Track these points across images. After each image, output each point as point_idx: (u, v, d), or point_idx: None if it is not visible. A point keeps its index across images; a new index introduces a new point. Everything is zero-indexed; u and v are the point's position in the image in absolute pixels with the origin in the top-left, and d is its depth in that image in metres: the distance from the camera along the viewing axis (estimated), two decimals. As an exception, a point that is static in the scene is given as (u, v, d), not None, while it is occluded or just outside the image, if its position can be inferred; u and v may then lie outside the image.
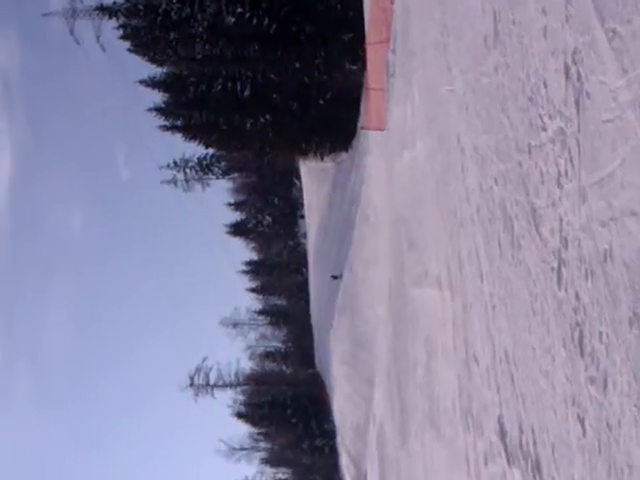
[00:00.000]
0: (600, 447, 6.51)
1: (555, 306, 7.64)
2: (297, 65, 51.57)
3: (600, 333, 6.51)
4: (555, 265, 7.63)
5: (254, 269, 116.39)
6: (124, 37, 57.18)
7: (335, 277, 50.14)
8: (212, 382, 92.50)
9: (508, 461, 9.64)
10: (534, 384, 8.38)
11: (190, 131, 60.38)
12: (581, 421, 6.91)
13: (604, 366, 6.43)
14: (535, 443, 8.42)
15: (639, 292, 5.87)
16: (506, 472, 9.76)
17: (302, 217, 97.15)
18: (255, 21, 50.46)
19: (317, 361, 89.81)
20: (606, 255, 6.41)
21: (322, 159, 60.21)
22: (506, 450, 9.74)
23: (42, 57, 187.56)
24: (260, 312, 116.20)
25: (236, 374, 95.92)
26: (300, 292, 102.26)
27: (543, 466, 8.12)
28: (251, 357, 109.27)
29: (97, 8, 57.39)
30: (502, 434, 9.93)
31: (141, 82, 61.53)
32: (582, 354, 6.87)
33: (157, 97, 61.69)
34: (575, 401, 7.05)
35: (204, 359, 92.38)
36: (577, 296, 7.04)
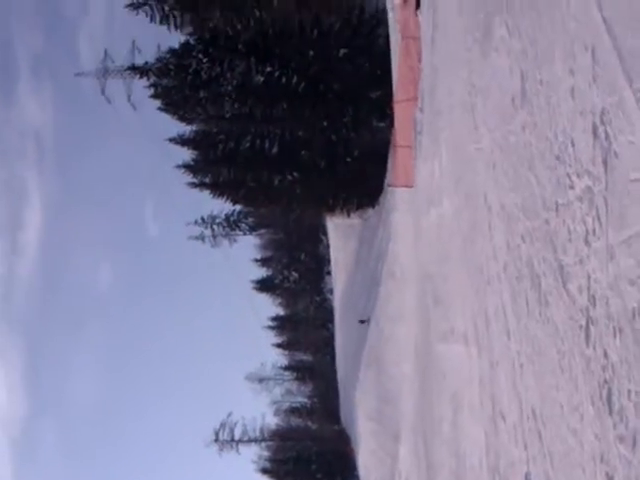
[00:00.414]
0: (629, 505, 6.49)
1: (583, 364, 7.64)
2: (325, 123, 51.99)
3: (629, 391, 6.51)
4: (583, 323, 7.64)
5: (280, 324, 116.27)
6: (155, 96, 57.84)
7: (363, 321, 49.94)
8: (237, 437, 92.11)
9: (536, 519, 9.59)
10: (562, 442, 8.35)
11: (218, 188, 60.84)
12: (610, 479, 6.89)
13: (633, 424, 6.42)
14: (563, 501, 8.38)
15: (667, 350, 5.89)
16: (534, 531, 9.69)
17: (328, 273, 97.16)
18: (284, 80, 51.00)
19: (342, 417, 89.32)
20: (634, 313, 6.42)
21: (349, 215, 60.42)
22: (534, 508, 9.69)
23: (74, 115, 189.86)
24: (286, 367, 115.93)
25: (261, 429, 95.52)
26: (326, 347, 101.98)
27: (572, 525, 8.08)
28: (276, 412, 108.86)
29: (128, 68, 58.13)
30: (530, 492, 9.88)
31: (171, 140, 62.17)
32: (611, 412, 6.87)
33: (186, 154, 62.30)
34: (604, 459, 7.03)
35: (229, 414, 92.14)
36: (605, 354, 7.04)
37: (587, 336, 7.54)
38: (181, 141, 61.36)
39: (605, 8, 7.51)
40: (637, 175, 6.47)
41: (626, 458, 6.51)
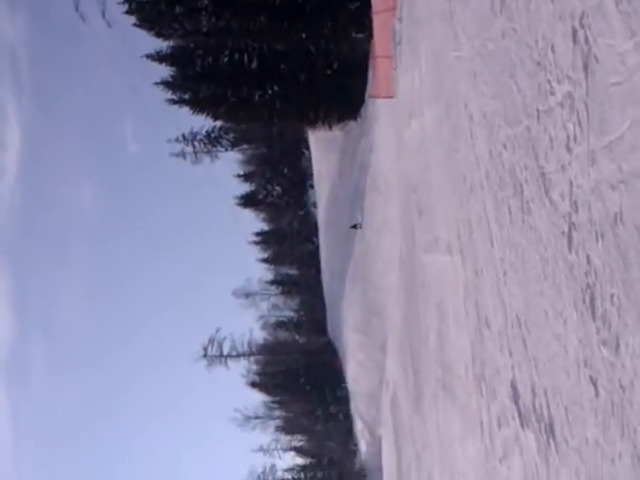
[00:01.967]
0: (613, 408, 6.57)
1: (566, 270, 7.67)
2: (304, 35, 51.43)
3: (612, 295, 6.55)
4: (566, 229, 7.66)
5: (265, 239, 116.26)
6: (129, 12, 56.95)
7: (355, 226, 49.57)
8: (225, 352, 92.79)
9: (521, 424, 9.72)
10: (546, 347, 8.43)
11: (198, 104, 60.27)
12: (594, 383, 6.96)
13: (616, 328, 6.47)
14: (548, 406, 8.48)
15: (649, 254, 5.91)
16: (519, 435, 9.84)
17: (312, 187, 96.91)
18: (261, -9, 50.27)
19: (330, 329, 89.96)
20: (616, 218, 6.43)
21: (330, 128, 60.08)
22: (519, 413, 9.81)
23: (48, 33, 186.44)
24: (272, 282, 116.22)
25: (249, 344, 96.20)
26: (311, 261, 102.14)
27: (556, 428, 8.19)
28: (264, 327, 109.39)
29: (102, -17, 57.20)
30: (515, 397, 10.01)
31: (148, 56, 61.34)
32: (594, 317, 6.91)
33: (164, 71, 61.51)
34: (588, 363, 7.10)
35: (217, 330, 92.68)
36: (588, 259, 7.07)
37: (570, 242, 7.56)
38: (158, 57, 60.57)
39: None
40: (617, 79, 6.43)
41: (609, 361, 6.58)
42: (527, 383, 9.37)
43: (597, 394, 6.90)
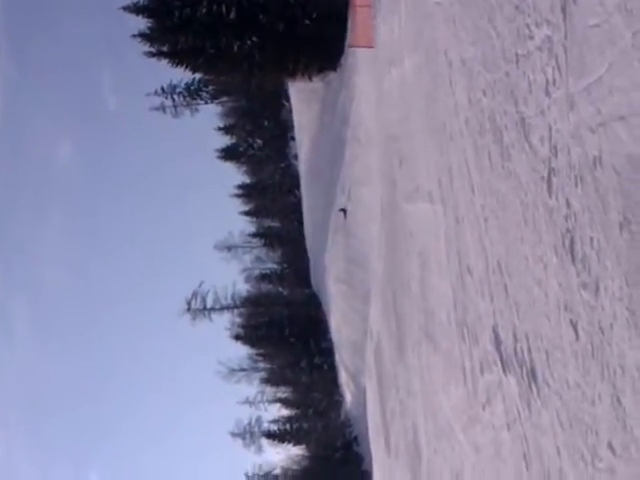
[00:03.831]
0: (593, 351, 6.62)
1: (546, 214, 7.69)
2: (282, -16, 51.01)
3: (591, 239, 6.57)
4: (545, 174, 7.66)
5: (246, 192, 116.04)
6: (105, -38, 56.32)
7: (343, 210, 49.10)
8: (209, 306, 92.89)
9: (503, 369, 9.78)
10: (527, 292, 8.47)
11: (176, 56, 59.77)
12: (574, 326, 7.01)
13: (595, 271, 6.50)
14: (529, 350, 8.54)
15: (629, 197, 5.92)
16: (502, 380, 9.91)
17: (293, 138, 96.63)
18: (238, -59, 49.78)
19: (313, 281, 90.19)
20: (595, 161, 6.44)
21: (310, 79, 59.75)
22: (501, 358, 9.88)
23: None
24: (254, 234, 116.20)
25: (233, 297, 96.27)
26: (293, 213, 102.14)
27: (538, 372, 8.25)
28: (247, 279, 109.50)
29: None
30: (497, 342, 10.07)
31: (124, 8, 60.68)
32: (574, 260, 6.94)
33: (141, 23, 60.90)
34: (568, 307, 7.14)
35: (200, 283, 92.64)
36: (568, 203, 7.08)
37: (549, 186, 7.56)
38: (135, 9, 59.93)
39: None
40: (595, 20, 6.40)
41: (589, 304, 6.62)
42: (509, 328, 9.42)
43: (577, 337, 6.95)
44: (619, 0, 6.04)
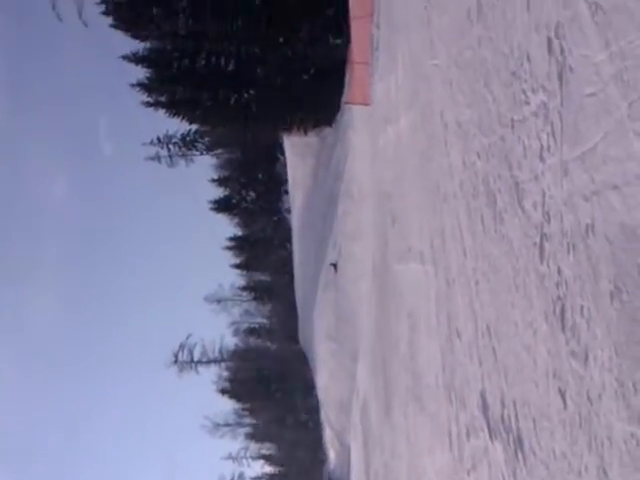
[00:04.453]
0: (581, 420, 6.55)
1: (537, 281, 7.65)
2: (281, 40, 51.44)
3: (581, 307, 6.53)
4: (537, 239, 7.64)
5: (238, 245, 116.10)
6: (106, 12, 56.80)
7: (333, 265, 49.05)
8: (196, 359, 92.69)
9: (490, 435, 9.69)
10: (516, 358, 8.41)
11: (173, 107, 60.17)
12: (562, 395, 6.94)
13: (585, 340, 6.45)
14: (517, 417, 8.46)
15: (620, 266, 5.88)
16: (488, 446, 9.81)
17: (286, 192, 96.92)
18: (239, -5, 50.31)
19: (301, 337, 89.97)
20: (588, 229, 6.41)
21: (306, 134, 60.10)
22: (488, 424, 9.79)
23: (25, 32, 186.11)
24: (244, 288, 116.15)
25: (220, 350, 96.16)
26: (284, 267, 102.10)
27: (524, 440, 8.17)
28: (235, 333, 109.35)
29: (79, -17, 57.04)
30: (484, 408, 9.98)
31: (124, 58, 61.18)
32: (564, 328, 6.89)
33: (140, 73, 61.35)
34: (556, 375, 7.08)
35: (188, 336, 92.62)
36: (559, 270, 7.05)
37: (541, 253, 7.54)
38: (135, 59, 60.44)
39: None
40: (591, 89, 6.41)
41: (578, 373, 6.56)
42: (496, 394, 9.34)
43: (565, 406, 6.88)
44: (615, 70, 6.05)
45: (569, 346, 6.76)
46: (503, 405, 9.01)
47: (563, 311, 6.93)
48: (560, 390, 6.99)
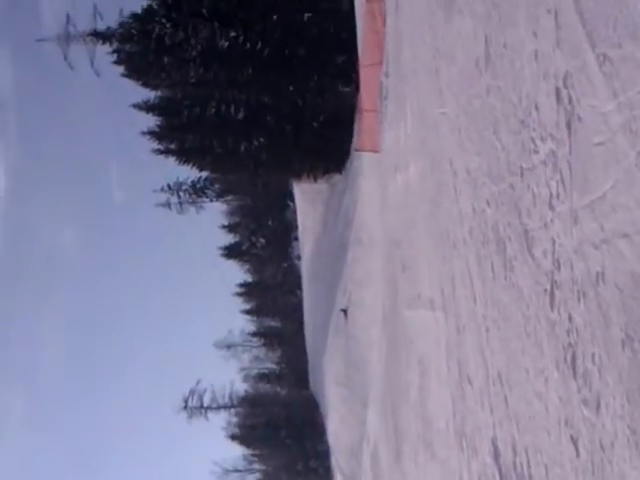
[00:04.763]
0: (593, 469, 6.53)
1: (548, 328, 7.66)
2: (290, 88, 51.78)
3: (593, 355, 6.53)
4: (548, 287, 7.66)
5: (248, 291, 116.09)
6: (118, 62, 57.31)
7: (344, 311, 48.90)
8: (206, 404, 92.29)
9: (502, 482, 9.65)
10: (527, 405, 8.40)
11: (184, 154, 60.51)
12: (574, 442, 6.93)
13: (597, 387, 6.45)
14: (529, 464, 8.43)
15: (631, 314, 5.90)
16: (500, 494, 9.76)
17: (296, 239, 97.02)
18: (248, 45, 50.70)
19: (311, 382, 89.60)
20: (598, 277, 6.44)
21: (316, 181, 60.31)
22: (500, 471, 9.74)
23: (36, 81, 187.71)
24: (254, 334, 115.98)
25: (230, 396, 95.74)
26: (294, 313, 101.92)
27: (537, 488, 8.14)
28: (245, 379, 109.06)
29: (91, 33, 57.59)
30: (496, 455, 9.94)
31: (135, 106, 61.66)
32: (575, 375, 6.89)
33: (151, 121, 61.79)
34: (568, 422, 7.07)
35: (198, 381, 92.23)
36: (570, 318, 7.06)
37: (552, 300, 7.55)
38: (146, 107, 60.90)
39: (568, -30, 7.47)
40: (600, 139, 6.47)
41: (590, 421, 6.55)
42: (508, 441, 9.31)
43: (577, 454, 6.87)
44: (623, 120, 6.11)
45: (581, 394, 6.75)
46: (515, 452, 8.98)
47: (574, 358, 6.93)
48: (572, 438, 6.97)
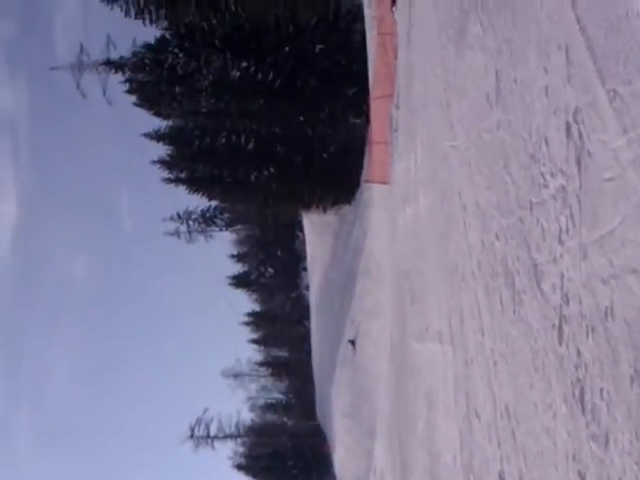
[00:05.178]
0: (601, 504, 6.51)
1: (556, 362, 7.66)
2: (301, 119, 51.99)
3: (601, 390, 6.53)
4: (556, 321, 7.66)
5: (256, 320, 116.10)
6: (130, 91, 57.70)
7: (352, 342, 48.85)
8: (213, 434, 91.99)
9: (509, 517, 9.60)
10: (535, 440, 8.37)
11: (194, 183, 60.75)
12: (582, 478, 6.91)
13: (605, 423, 6.44)
14: (536, 500, 8.40)
15: (640, 349, 5.91)
16: (507, 528, 9.71)
17: (304, 269, 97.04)
18: (260, 75, 50.97)
19: (318, 413, 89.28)
20: (607, 312, 6.44)
21: (325, 212, 60.42)
22: (507, 506, 9.71)
23: (49, 109, 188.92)
24: (261, 363, 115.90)
25: (237, 426, 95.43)
26: (302, 344, 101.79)
27: (544, 523, 8.10)
28: (252, 408, 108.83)
29: (104, 63, 57.95)
30: (503, 490, 9.90)
31: (146, 135, 61.96)
32: (583, 411, 6.88)
33: (162, 150, 62.07)
34: (576, 457, 7.05)
35: (205, 410, 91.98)
36: (578, 353, 7.06)
37: (560, 335, 7.55)
38: (157, 136, 61.18)
39: (579, 7, 7.52)
40: (609, 174, 6.49)
41: (598, 457, 6.53)
42: (515, 475, 9.28)
43: (585, 490, 6.85)
44: (634, 156, 6.14)
45: (589, 429, 6.74)
46: (522, 487, 8.95)
47: (583, 393, 6.93)
48: (580, 473, 6.95)
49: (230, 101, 52.45)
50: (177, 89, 53.33)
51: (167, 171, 62.37)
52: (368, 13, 44.01)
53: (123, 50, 58.09)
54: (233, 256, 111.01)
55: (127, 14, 55.76)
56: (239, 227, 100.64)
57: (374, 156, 36.10)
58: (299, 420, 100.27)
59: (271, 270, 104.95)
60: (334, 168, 52.62)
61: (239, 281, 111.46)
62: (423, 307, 18.63)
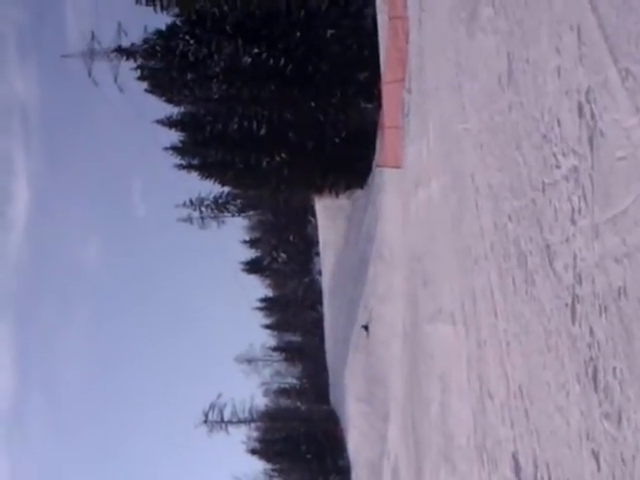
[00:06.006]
0: (615, 482, 6.53)
1: (569, 342, 7.68)
2: (313, 104, 51.95)
3: (614, 369, 6.55)
4: (569, 301, 7.68)
5: (269, 306, 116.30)
6: (142, 78, 57.71)
7: (365, 327, 48.88)
8: (226, 418, 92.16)
9: (523, 497, 9.64)
10: (548, 419, 8.40)
11: (206, 169, 60.84)
12: (596, 456, 6.93)
13: (618, 401, 6.46)
14: (550, 478, 8.42)
15: (653, 328, 5.93)
16: (521, 508, 9.75)
17: (317, 254, 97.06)
18: (271, 61, 50.94)
19: (332, 397, 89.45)
20: (620, 291, 6.46)
21: (337, 196, 60.41)
22: (521, 486, 9.74)
23: (61, 96, 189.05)
24: (275, 348, 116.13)
25: (250, 410, 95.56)
26: (315, 329, 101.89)
27: (558, 501, 8.13)
28: (266, 393, 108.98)
29: (115, 50, 58.02)
30: (517, 470, 9.93)
31: (158, 122, 62.02)
32: (596, 389, 6.91)
33: (174, 136, 62.16)
34: (590, 436, 7.08)
35: (218, 395, 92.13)
36: (591, 332, 7.08)
37: (573, 314, 7.57)
38: (169, 123, 61.26)
39: (590, -13, 7.52)
40: (622, 153, 6.50)
41: (611, 435, 6.56)
42: (529, 455, 9.31)
43: (599, 468, 6.87)
44: (646, 135, 6.15)
45: (602, 407, 6.76)
46: (536, 467, 8.97)
47: (595, 372, 6.95)
48: (593, 452, 6.98)
49: (242, 87, 52.44)
50: (189, 76, 53.36)
51: (179, 157, 62.53)
52: (379, -3, 43.93)
53: (134, 37, 58.22)
54: (246, 242, 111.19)
55: (138, 1, 55.82)
56: (251, 213, 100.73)
57: (386, 140, 36.09)
58: (312, 405, 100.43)
59: (284, 255, 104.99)
60: (346, 153, 52.62)
61: (252, 267, 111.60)
62: (435, 289, 18.65)
